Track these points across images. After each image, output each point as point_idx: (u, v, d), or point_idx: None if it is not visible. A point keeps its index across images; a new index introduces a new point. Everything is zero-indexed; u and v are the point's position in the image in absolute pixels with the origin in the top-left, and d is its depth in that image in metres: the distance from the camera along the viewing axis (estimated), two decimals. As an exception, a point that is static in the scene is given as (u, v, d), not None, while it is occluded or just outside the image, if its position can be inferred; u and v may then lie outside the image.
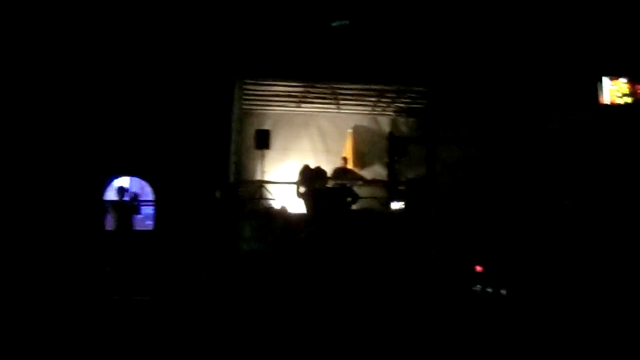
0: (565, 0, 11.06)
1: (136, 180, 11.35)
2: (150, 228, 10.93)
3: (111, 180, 10.48)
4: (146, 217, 11.02)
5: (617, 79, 11.24)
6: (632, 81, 11.13)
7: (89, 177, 10.29)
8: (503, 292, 6.85)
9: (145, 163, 10.63)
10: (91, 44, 10.22)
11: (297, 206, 10.17)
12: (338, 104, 11.05)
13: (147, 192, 11.13)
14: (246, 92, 10.24)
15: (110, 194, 10.18)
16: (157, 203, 10.85)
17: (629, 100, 11.04)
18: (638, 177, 9.51)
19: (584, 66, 11.22)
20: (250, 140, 10.28)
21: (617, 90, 11.19)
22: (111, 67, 10.40)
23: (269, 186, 10.18)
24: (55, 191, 9.91)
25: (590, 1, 11.13)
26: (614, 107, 11.05)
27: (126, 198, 9.77)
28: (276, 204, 9.99)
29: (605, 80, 11.18)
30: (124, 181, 10.94)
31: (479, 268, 7.36)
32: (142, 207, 10.38)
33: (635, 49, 11.27)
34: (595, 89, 11.21)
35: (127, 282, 8.30)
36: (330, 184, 9.92)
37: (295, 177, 10.56)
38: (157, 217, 10.87)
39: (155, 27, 10.20)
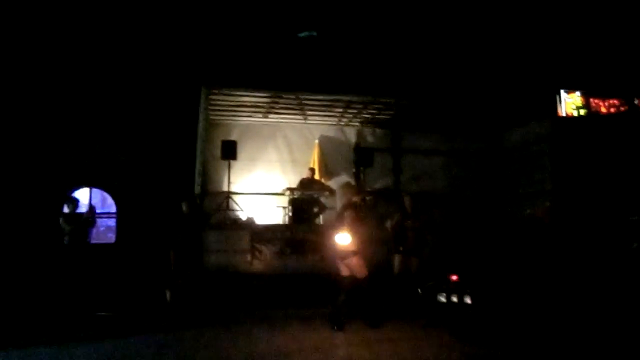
0: (525, 19, 11.54)
1: (97, 192, 11.05)
2: (112, 241, 10.66)
3: (71, 193, 10.17)
4: (108, 229, 10.75)
5: (573, 92, 11.80)
6: (585, 94, 11.71)
7: (47, 190, 9.98)
8: (467, 300, 6.98)
9: (106, 174, 10.38)
10: (48, 51, 9.97)
11: (265, 217, 10.18)
12: (305, 114, 11.11)
13: (108, 204, 10.88)
14: (212, 102, 10.17)
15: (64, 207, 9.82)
16: (119, 215, 10.59)
17: (582, 112, 11.60)
18: (594, 184, 9.96)
19: (544, 80, 11.71)
20: (216, 151, 10.19)
21: (573, 103, 11.74)
22: (70, 73, 10.16)
23: (235, 197, 10.10)
24: (10, 204, 9.57)
25: (547, 21, 11.65)
26: (570, 118, 11.57)
27: (80, 210, 9.40)
28: (243, 215, 9.94)
29: (563, 93, 11.72)
30: (80, 193, 10.62)
31: (454, 277, 7.44)
32: (105, 220, 10.09)
33: (588, 65, 11.87)
34: (554, 102, 11.72)
35: (87, 297, 7.99)
36: (296, 194, 9.99)
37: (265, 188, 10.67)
38: (119, 229, 10.62)
39: (118, 35, 10.04)
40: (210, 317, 7.44)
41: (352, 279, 6.60)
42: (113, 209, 10.72)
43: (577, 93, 11.76)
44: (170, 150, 10.44)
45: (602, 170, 10.15)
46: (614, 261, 8.07)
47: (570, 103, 11.76)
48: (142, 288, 8.93)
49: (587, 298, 7.06)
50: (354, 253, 6.60)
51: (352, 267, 6.61)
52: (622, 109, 11.90)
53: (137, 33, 10.18)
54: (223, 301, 8.45)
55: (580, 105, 11.78)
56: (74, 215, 8.61)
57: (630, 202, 9.49)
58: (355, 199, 7.03)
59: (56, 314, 7.29)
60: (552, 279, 7.52)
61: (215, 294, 8.81)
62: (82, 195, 10.41)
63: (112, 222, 10.85)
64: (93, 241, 9.40)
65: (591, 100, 11.86)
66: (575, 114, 11.70)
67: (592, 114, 11.74)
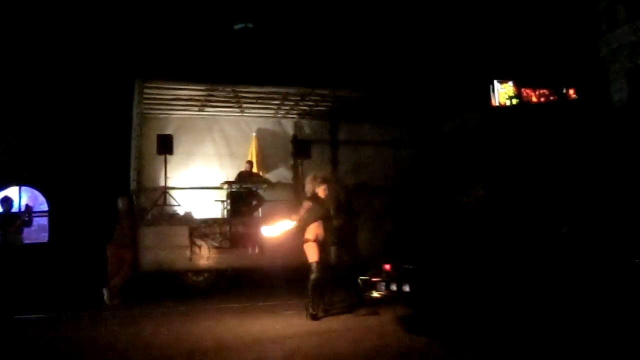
0: (460, 12, 12.39)
1: (27, 190, 11.23)
2: (44, 240, 10.89)
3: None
4: (40, 228, 10.97)
5: (506, 82, 12.84)
6: (517, 85, 12.79)
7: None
8: (406, 289, 7.65)
9: (37, 171, 10.59)
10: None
11: (203, 211, 10.63)
12: (241, 107, 11.50)
13: (39, 202, 11.09)
14: (147, 95, 10.39)
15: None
16: (52, 214, 10.83)
17: (515, 101, 12.68)
18: (526, 171, 10.88)
19: (478, 70, 12.65)
20: (152, 145, 10.46)
21: (506, 93, 12.79)
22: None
23: (173, 192, 10.46)
24: None
25: (481, 14, 12.55)
26: (502, 107, 12.58)
27: (14, 210, 9.61)
28: (181, 210, 10.35)
29: (496, 83, 12.74)
30: (11, 192, 10.77)
31: (387, 266, 8.07)
32: (36, 219, 10.28)
33: (519, 55, 12.90)
34: (487, 92, 12.71)
35: (21, 299, 8.30)
36: (234, 188, 10.49)
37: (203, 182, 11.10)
38: (52, 228, 10.86)
39: (47, 28, 10.21)
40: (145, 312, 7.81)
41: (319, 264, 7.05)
42: (44, 207, 10.96)
43: (510, 83, 12.83)
44: (103, 146, 10.72)
45: (534, 157, 11.08)
46: (545, 245, 8.88)
47: (503, 93, 12.81)
48: (78, 288, 9.29)
49: (519, 281, 7.78)
50: (309, 240, 7.10)
51: (306, 252, 7.11)
52: (551, 98, 13.04)
53: (67, 25, 10.38)
54: (161, 297, 8.91)
55: (513, 94, 12.86)
56: (9, 216, 8.88)
57: (560, 188, 10.45)
58: (319, 190, 7.46)
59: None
60: (486, 265, 8.20)
61: (153, 290, 9.26)
62: (12, 194, 10.61)
63: (43, 220, 11.07)
64: (25, 241, 9.66)
65: (523, 90, 12.96)
66: (507, 103, 12.77)
67: (524, 103, 12.82)
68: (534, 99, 12.99)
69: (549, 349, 5.24)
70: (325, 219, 7.33)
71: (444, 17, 12.25)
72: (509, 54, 12.87)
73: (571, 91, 13.15)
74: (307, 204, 7.28)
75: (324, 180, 7.46)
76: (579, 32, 12.73)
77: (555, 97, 13.01)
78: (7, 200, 9.10)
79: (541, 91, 13.04)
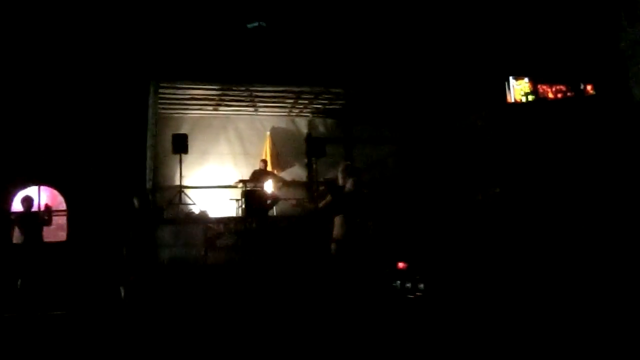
0: (474, 6, 12.34)
1: (46, 189, 11.49)
2: (63, 239, 11.13)
3: (18, 191, 10.60)
4: (58, 227, 11.22)
5: (521, 78, 12.77)
6: (533, 80, 12.70)
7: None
8: (421, 286, 7.73)
9: (55, 171, 10.82)
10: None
11: (218, 210, 10.83)
12: (255, 106, 11.70)
13: (58, 201, 11.34)
14: (162, 95, 10.64)
15: (17, 206, 10.27)
16: (70, 213, 11.07)
17: (530, 98, 12.60)
18: (542, 171, 10.87)
19: (492, 67, 12.59)
20: (167, 144, 10.71)
21: (521, 89, 12.73)
22: (13, 70, 10.54)
23: (188, 191, 10.68)
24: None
25: (496, 8, 12.47)
26: (518, 104, 12.54)
27: (35, 209, 9.88)
28: (196, 209, 10.56)
29: (511, 80, 12.68)
30: (31, 191, 11.03)
31: (401, 264, 8.18)
32: (54, 217, 10.52)
33: (535, 50, 12.80)
34: (502, 88, 12.66)
35: (41, 296, 8.52)
36: (248, 187, 10.65)
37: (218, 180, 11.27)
38: (70, 227, 11.10)
39: (63, 30, 10.44)
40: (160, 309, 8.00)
41: None
42: (62, 207, 11.20)
43: (525, 79, 12.73)
44: (120, 146, 10.93)
45: (551, 155, 11.06)
46: (563, 244, 8.88)
47: (518, 89, 12.73)
48: (96, 285, 9.51)
49: (535, 280, 7.74)
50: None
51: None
52: (569, 94, 12.93)
53: (82, 27, 10.60)
54: (176, 294, 9.09)
55: (529, 91, 12.77)
56: (29, 215, 9.15)
57: (577, 186, 10.42)
58: (347, 183, 6.90)
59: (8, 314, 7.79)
60: (503, 262, 8.25)
61: (169, 288, 9.44)
62: (32, 193, 10.88)
63: (62, 219, 11.30)
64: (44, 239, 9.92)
65: (539, 86, 12.87)
66: (523, 100, 12.70)
67: (540, 100, 12.74)
68: (551, 95, 12.89)
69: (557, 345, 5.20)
70: (345, 215, 6.83)
71: (458, 11, 12.23)
72: (524, 48, 12.78)
73: (589, 87, 13.02)
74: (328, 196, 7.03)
75: (345, 171, 7.00)
76: (598, 25, 12.58)
77: (573, 93, 12.90)
78: (27, 200, 9.36)
79: (558, 87, 12.92)
